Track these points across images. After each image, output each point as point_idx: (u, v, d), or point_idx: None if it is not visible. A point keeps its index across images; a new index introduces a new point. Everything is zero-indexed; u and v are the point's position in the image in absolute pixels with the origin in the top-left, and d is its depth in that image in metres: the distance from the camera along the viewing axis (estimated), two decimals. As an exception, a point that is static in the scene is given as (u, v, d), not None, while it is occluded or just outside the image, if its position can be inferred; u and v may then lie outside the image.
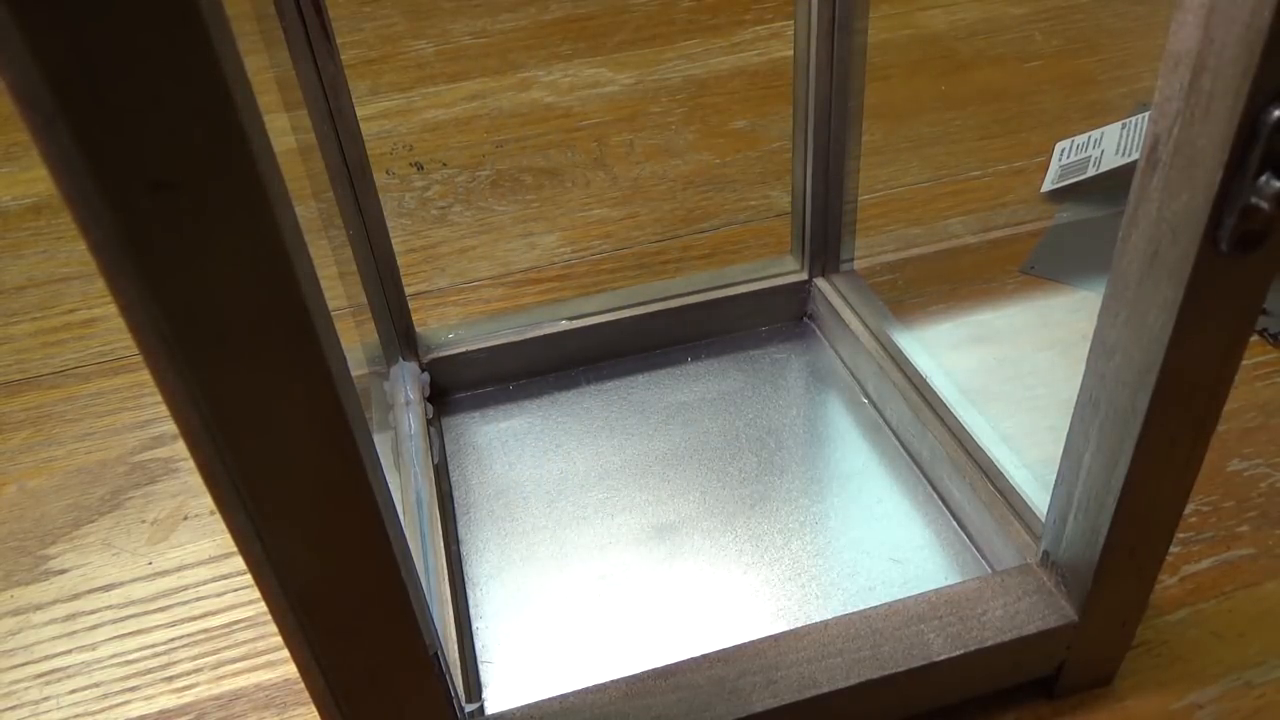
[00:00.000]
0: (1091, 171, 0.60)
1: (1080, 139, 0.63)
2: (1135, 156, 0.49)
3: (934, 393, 0.42)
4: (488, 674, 0.37)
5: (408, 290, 0.46)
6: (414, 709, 0.26)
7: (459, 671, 0.35)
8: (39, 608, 0.42)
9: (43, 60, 0.13)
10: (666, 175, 0.67)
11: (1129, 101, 0.69)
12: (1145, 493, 0.28)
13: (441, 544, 0.39)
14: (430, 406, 0.46)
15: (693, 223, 0.62)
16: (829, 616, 0.33)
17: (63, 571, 0.44)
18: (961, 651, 0.32)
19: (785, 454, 0.44)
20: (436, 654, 0.25)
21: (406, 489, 0.41)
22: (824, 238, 0.49)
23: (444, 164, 0.70)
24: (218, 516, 0.45)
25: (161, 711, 0.38)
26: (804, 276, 0.50)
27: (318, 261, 0.18)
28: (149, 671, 0.39)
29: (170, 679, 0.39)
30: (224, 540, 0.44)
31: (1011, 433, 0.44)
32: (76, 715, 0.38)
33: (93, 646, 0.40)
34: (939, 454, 0.40)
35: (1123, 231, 0.25)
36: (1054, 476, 0.31)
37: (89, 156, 0.14)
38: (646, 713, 0.31)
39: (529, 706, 0.32)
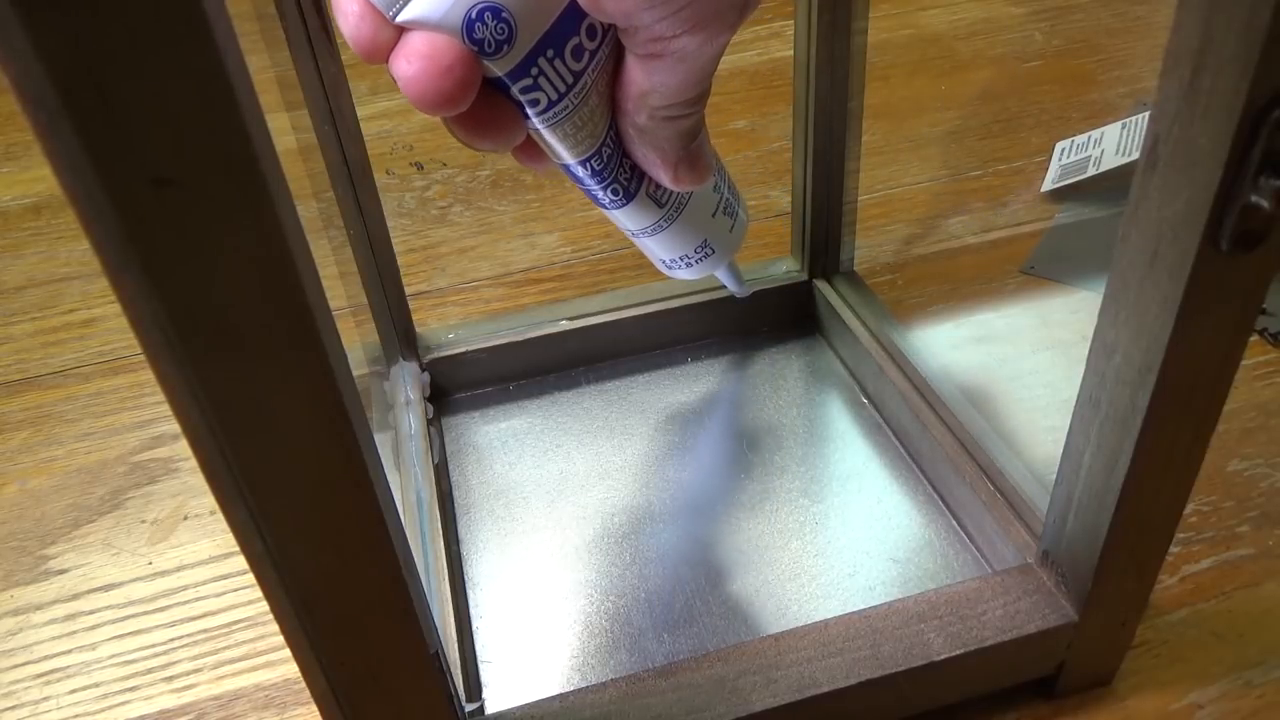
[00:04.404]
0: (1091, 171, 0.60)
1: (1080, 139, 0.63)
2: (1135, 156, 0.49)
3: (934, 393, 0.42)
4: (488, 674, 0.37)
5: (408, 290, 0.46)
6: (414, 708, 0.26)
7: (459, 671, 0.35)
8: (39, 608, 0.42)
9: (47, 57, 0.13)
10: (666, 175, 0.67)
11: (1129, 101, 0.69)
12: (1145, 493, 0.28)
13: (441, 544, 0.39)
14: (430, 406, 0.46)
15: (693, 223, 0.62)
16: (829, 616, 0.33)
17: (63, 571, 0.44)
18: (961, 651, 0.32)
19: (785, 454, 0.44)
20: (437, 653, 0.25)
21: (406, 489, 0.41)
22: (824, 238, 0.49)
23: (444, 164, 0.70)
24: (218, 516, 0.45)
25: (161, 711, 0.38)
26: (804, 277, 0.50)
27: (318, 261, 0.18)
28: (149, 671, 0.39)
29: (170, 679, 0.39)
30: (224, 540, 0.44)
31: (1011, 433, 0.44)
32: (76, 715, 0.38)
33: (93, 646, 0.40)
34: (939, 454, 0.40)
35: (1122, 231, 0.25)
36: (1054, 476, 0.31)
37: (92, 153, 0.14)
38: (646, 712, 0.31)
39: (529, 706, 0.32)
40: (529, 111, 0.28)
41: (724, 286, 0.50)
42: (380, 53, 0.26)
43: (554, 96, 0.28)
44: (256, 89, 0.16)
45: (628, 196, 0.33)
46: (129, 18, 0.13)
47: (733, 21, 0.26)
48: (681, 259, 0.38)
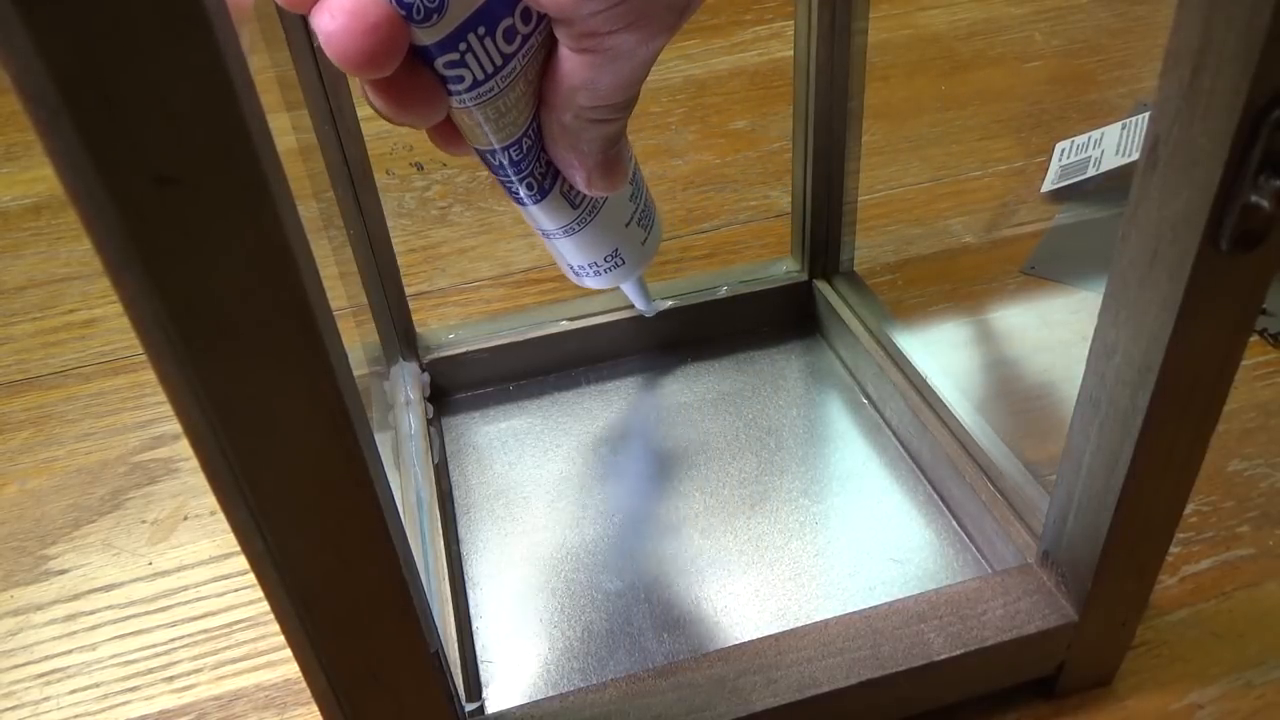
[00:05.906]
0: (1091, 171, 0.60)
1: (1080, 139, 0.63)
2: (1135, 156, 0.50)
3: (934, 393, 0.42)
4: (488, 674, 0.37)
5: (408, 290, 0.46)
6: (414, 708, 0.26)
7: (459, 671, 0.35)
8: (39, 608, 0.42)
9: (47, 54, 0.13)
10: (666, 175, 0.67)
11: (1129, 101, 0.69)
12: (1145, 493, 0.28)
13: (441, 544, 0.39)
14: (430, 406, 0.46)
15: (693, 223, 0.62)
16: (829, 616, 0.33)
17: (63, 571, 0.44)
18: (961, 651, 0.32)
19: (785, 454, 0.44)
20: (437, 653, 0.25)
21: (406, 489, 0.41)
22: (824, 238, 0.49)
23: (444, 164, 0.70)
24: (218, 516, 0.45)
25: (161, 711, 0.38)
26: (804, 277, 0.50)
27: (318, 261, 0.18)
28: (149, 671, 0.39)
29: (170, 679, 0.39)
30: (224, 540, 0.44)
31: (1011, 433, 0.44)
32: (76, 715, 0.38)
33: (93, 646, 0.40)
34: (939, 454, 0.40)
35: (1122, 231, 0.25)
36: (1054, 476, 0.31)
37: (93, 152, 0.14)
38: (646, 712, 0.31)
39: (529, 705, 0.32)
40: (452, 89, 0.27)
41: (721, 287, 0.50)
42: (303, 2, 0.24)
43: (480, 76, 0.27)
44: (257, 88, 0.16)
45: (541, 193, 0.33)
46: (130, 15, 0.13)
47: (671, 23, 0.26)
48: (591, 266, 0.37)
